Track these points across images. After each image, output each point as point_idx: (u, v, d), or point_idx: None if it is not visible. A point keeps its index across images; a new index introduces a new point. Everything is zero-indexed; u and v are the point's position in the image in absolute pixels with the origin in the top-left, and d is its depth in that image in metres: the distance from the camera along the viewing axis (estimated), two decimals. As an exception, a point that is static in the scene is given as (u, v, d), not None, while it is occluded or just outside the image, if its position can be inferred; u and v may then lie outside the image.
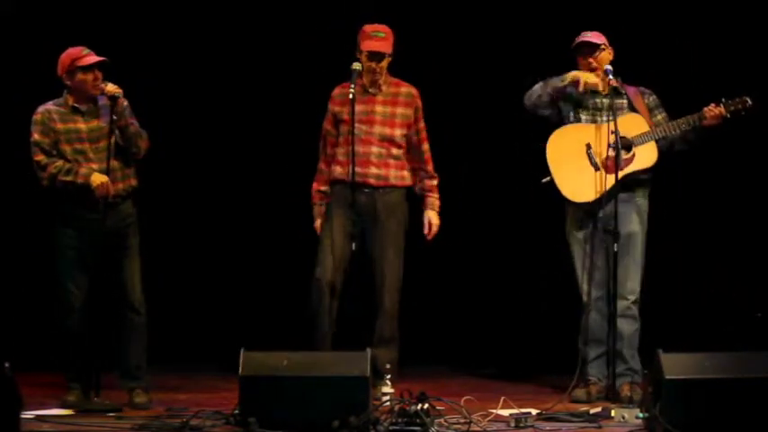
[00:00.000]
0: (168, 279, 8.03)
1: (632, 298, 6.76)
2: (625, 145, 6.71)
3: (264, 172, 8.36)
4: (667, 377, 5.57)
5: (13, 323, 7.86)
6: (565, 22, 7.69)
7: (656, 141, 6.69)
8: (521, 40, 8.13)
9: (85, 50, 6.57)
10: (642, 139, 6.71)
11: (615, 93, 6.73)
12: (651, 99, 6.87)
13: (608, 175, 6.66)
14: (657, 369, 5.62)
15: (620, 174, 6.63)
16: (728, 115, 6.65)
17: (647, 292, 6.84)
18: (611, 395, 6.51)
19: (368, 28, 6.83)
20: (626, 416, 5.91)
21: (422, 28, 8.02)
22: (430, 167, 7.02)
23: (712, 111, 6.66)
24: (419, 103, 6.94)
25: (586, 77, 6.76)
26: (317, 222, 6.96)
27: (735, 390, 5.57)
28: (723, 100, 6.66)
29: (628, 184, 6.70)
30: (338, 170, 6.88)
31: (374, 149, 6.84)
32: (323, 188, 6.97)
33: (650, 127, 6.72)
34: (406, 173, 6.94)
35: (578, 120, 6.86)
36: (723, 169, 8.00)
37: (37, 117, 6.60)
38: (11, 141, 7.22)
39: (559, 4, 8.06)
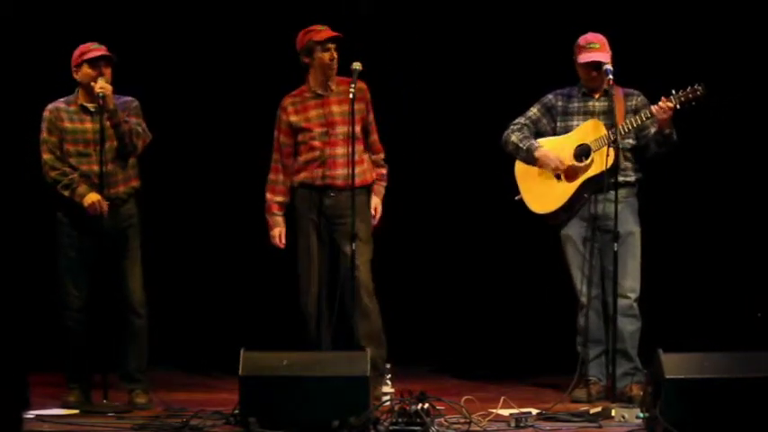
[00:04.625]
0: (169, 279, 8.03)
1: (633, 296, 6.76)
2: (584, 151, 6.75)
3: (265, 172, 8.35)
4: (667, 377, 5.57)
5: (12, 323, 7.85)
6: (560, 20, 7.73)
7: (611, 144, 6.65)
8: (506, 37, 8.14)
9: (95, 45, 6.57)
10: (599, 143, 6.72)
11: (607, 95, 6.75)
12: (639, 100, 6.84)
13: (568, 183, 6.78)
14: (658, 369, 5.62)
15: (580, 180, 6.75)
16: (678, 106, 6.58)
17: (647, 292, 6.84)
18: (613, 395, 6.51)
19: (311, 28, 6.83)
20: (626, 416, 5.91)
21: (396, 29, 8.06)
22: (381, 156, 7.00)
23: (659, 106, 6.60)
24: (368, 95, 6.91)
25: (550, 167, 6.80)
26: (275, 231, 6.90)
27: (735, 390, 5.57)
28: (673, 91, 6.62)
29: (619, 185, 6.69)
30: (303, 176, 6.83)
31: (339, 150, 6.81)
32: (280, 198, 6.91)
33: (606, 131, 6.69)
34: (366, 168, 6.92)
35: (568, 126, 6.87)
36: (723, 169, 8.00)
37: (46, 114, 6.63)
38: (13, 142, 7.23)
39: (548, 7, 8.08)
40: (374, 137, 6.98)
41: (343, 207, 6.76)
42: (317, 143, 6.82)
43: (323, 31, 6.80)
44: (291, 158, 6.89)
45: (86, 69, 6.54)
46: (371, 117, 6.96)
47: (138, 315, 6.67)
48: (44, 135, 6.60)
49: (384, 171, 7.01)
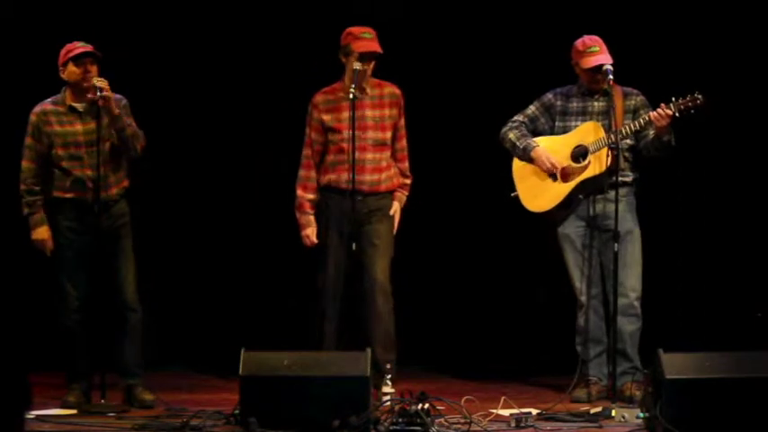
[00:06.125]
0: (169, 279, 8.03)
1: (634, 295, 6.75)
2: (582, 153, 6.76)
3: (264, 171, 8.35)
4: (668, 377, 5.57)
5: (12, 323, 7.85)
6: (560, 20, 7.74)
7: (610, 146, 6.67)
8: (508, 39, 8.13)
9: (81, 43, 6.56)
10: (597, 145, 6.74)
11: (605, 94, 6.76)
12: (638, 99, 6.85)
13: (564, 184, 6.79)
14: (658, 369, 5.62)
15: (575, 181, 6.77)
16: (677, 114, 6.57)
17: (647, 292, 6.84)
18: (613, 395, 6.51)
19: (354, 30, 6.81)
20: (626, 416, 5.91)
21: (409, 27, 8.04)
22: (405, 165, 7.02)
23: (657, 113, 6.58)
24: (402, 102, 6.95)
25: (545, 166, 6.81)
26: (309, 230, 6.92)
27: (735, 390, 5.58)
28: (673, 99, 6.62)
29: (617, 184, 6.70)
30: (329, 177, 6.88)
31: (368, 156, 6.85)
32: (312, 196, 6.93)
33: (604, 133, 6.71)
34: (393, 173, 6.97)
35: (567, 127, 6.88)
36: (723, 169, 7.99)
37: (32, 118, 6.60)
38: (10, 141, 7.22)
39: (550, 6, 8.07)
40: (402, 144, 6.99)
41: (368, 212, 6.83)
42: (346, 146, 6.80)
43: (364, 42, 6.75)
44: (321, 156, 6.90)
45: (72, 67, 6.53)
46: (401, 123, 6.96)
47: (134, 310, 6.67)
48: (27, 141, 6.61)
49: (408, 181, 7.04)
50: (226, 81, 8.30)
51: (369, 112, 6.86)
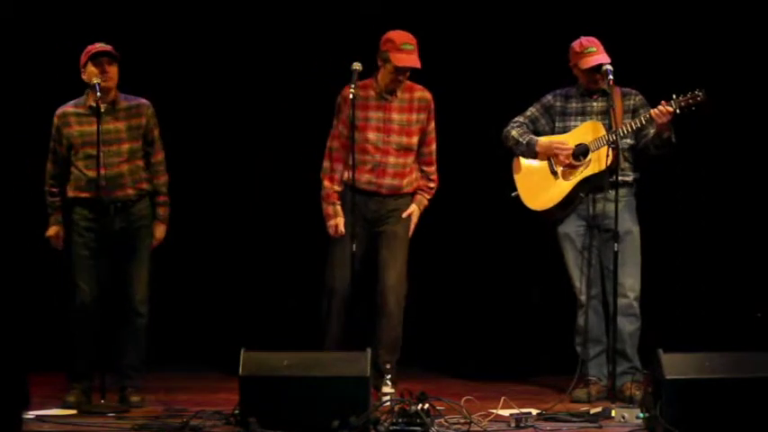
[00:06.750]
0: (169, 279, 8.01)
1: (633, 295, 6.76)
2: (582, 151, 6.78)
3: (265, 172, 8.35)
4: (667, 377, 5.57)
5: (12, 323, 7.85)
6: (561, 21, 7.74)
7: (609, 145, 6.69)
8: (508, 41, 8.14)
9: (100, 44, 6.60)
10: (597, 144, 6.75)
11: (604, 94, 6.77)
12: (637, 99, 6.86)
13: (565, 182, 6.80)
14: (658, 369, 5.63)
15: (576, 179, 6.78)
16: (678, 110, 6.57)
17: (647, 292, 6.84)
18: (613, 395, 6.51)
19: (396, 38, 6.73)
20: (626, 416, 5.91)
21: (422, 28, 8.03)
22: (432, 169, 6.99)
23: (658, 110, 6.60)
24: (432, 106, 6.91)
25: (552, 150, 6.82)
26: (337, 220, 6.83)
27: (735, 390, 5.58)
28: (674, 96, 6.63)
29: (617, 184, 6.70)
30: (348, 175, 6.80)
31: (391, 160, 6.83)
32: (338, 188, 6.86)
33: (606, 131, 6.72)
34: (414, 177, 6.95)
35: (567, 127, 6.89)
36: (723, 169, 7.99)
37: (54, 120, 6.68)
38: (22, 143, 7.25)
39: (548, 8, 8.07)
40: (430, 148, 6.95)
41: (386, 213, 6.82)
42: (370, 147, 6.79)
43: (404, 56, 6.67)
44: (345, 151, 6.80)
45: (90, 67, 6.57)
46: (431, 127, 6.93)
47: (140, 314, 6.68)
48: (51, 144, 6.70)
49: (432, 185, 7.00)
50: (224, 81, 8.30)
51: (396, 116, 6.83)
